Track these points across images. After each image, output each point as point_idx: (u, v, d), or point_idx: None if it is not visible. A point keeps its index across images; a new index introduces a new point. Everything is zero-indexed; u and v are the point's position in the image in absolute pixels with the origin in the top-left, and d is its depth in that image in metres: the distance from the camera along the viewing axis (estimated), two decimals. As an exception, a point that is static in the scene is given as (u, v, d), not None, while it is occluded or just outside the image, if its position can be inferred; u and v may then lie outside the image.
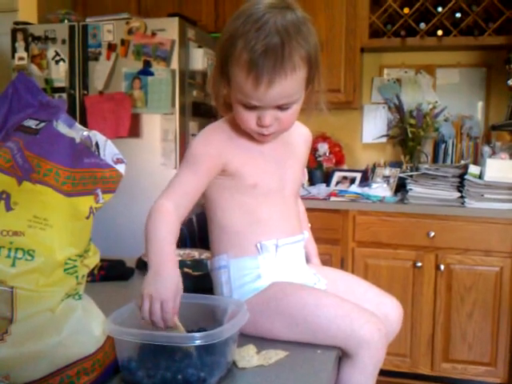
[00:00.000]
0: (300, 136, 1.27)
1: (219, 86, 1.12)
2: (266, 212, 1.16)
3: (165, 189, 1.12)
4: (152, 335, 0.88)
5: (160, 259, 0.99)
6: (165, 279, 0.95)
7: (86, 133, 0.83)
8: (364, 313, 1.08)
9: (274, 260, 1.15)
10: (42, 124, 0.78)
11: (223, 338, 0.87)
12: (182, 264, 1.44)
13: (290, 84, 1.03)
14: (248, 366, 0.97)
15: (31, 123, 0.79)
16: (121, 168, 0.85)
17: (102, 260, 1.43)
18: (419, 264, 2.84)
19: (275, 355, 1.01)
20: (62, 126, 0.79)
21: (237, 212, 1.15)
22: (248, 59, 1.00)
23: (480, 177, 2.80)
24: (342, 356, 1.09)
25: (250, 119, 1.08)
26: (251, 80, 1.01)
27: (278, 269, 1.15)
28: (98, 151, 0.83)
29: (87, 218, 0.81)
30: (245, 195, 1.15)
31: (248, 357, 0.99)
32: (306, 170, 3.35)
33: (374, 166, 3.33)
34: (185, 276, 1.38)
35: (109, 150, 0.84)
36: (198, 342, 0.85)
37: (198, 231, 1.95)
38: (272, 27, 1.00)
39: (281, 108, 1.06)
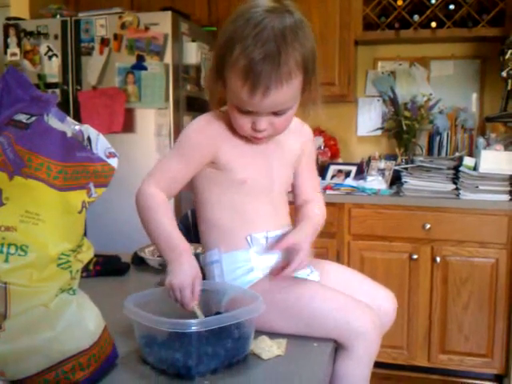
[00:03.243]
0: (296, 135, 1.24)
1: (215, 86, 1.11)
2: (254, 208, 1.16)
3: (153, 171, 1.13)
4: (154, 320, 0.91)
5: (176, 254, 1.05)
6: (182, 269, 1.02)
7: (77, 127, 0.82)
8: (358, 305, 1.08)
9: (264, 252, 1.16)
10: (33, 118, 0.78)
11: (214, 326, 0.90)
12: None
13: (286, 92, 1.02)
14: (271, 357, 0.98)
15: (22, 117, 0.78)
16: (113, 162, 0.84)
17: (97, 255, 1.43)
18: (415, 256, 2.84)
19: (283, 343, 1.02)
20: (53, 120, 0.78)
21: (226, 208, 1.16)
22: (245, 66, 0.99)
23: (475, 168, 2.81)
24: (338, 348, 1.09)
25: (244, 123, 1.08)
26: (247, 88, 1.00)
27: (270, 261, 1.16)
28: (90, 145, 0.82)
29: (80, 212, 0.81)
30: (233, 191, 1.15)
31: (267, 347, 1.00)
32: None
33: (369, 159, 3.33)
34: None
35: (101, 144, 0.83)
36: (194, 329, 0.88)
37: (192, 226, 1.94)
38: (270, 34, 0.98)
39: (276, 113, 1.06)
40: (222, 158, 1.12)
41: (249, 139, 1.13)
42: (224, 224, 1.16)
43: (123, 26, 2.96)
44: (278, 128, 1.10)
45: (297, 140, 1.25)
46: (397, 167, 3.10)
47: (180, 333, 0.90)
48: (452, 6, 3.11)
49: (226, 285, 1.12)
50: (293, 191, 1.28)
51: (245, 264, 1.15)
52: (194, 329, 0.88)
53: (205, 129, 1.13)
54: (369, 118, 3.53)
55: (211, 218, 1.17)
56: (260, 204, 1.17)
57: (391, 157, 3.32)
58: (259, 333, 1.04)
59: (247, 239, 1.15)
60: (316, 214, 1.24)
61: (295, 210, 1.28)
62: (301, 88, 1.07)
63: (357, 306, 1.08)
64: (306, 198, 1.27)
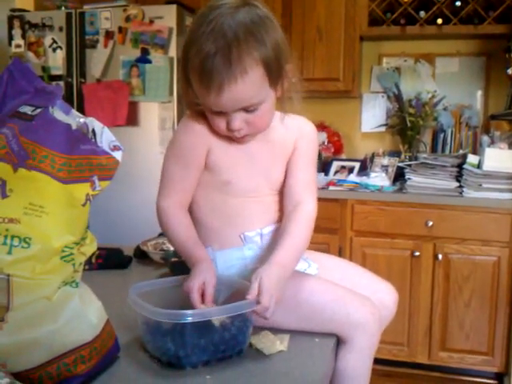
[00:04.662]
0: (291, 132, 1.19)
1: (187, 92, 1.09)
2: (242, 208, 1.15)
3: (161, 187, 1.15)
4: (150, 310, 0.92)
5: (190, 261, 1.08)
6: (192, 276, 1.03)
7: (82, 119, 0.82)
8: (357, 297, 1.09)
9: (259, 249, 1.16)
10: (38, 110, 0.77)
11: (207, 318, 0.92)
12: (175, 253, 1.44)
13: (244, 88, 0.99)
14: (274, 352, 0.98)
15: (27, 109, 0.78)
16: (117, 155, 0.84)
17: (99, 248, 1.43)
18: (417, 253, 2.84)
19: (286, 338, 1.02)
20: (57, 113, 0.78)
21: (214, 208, 1.15)
22: (198, 65, 0.98)
23: (478, 166, 2.80)
24: (339, 343, 1.09)
25: (219, 124, 1.06)
26: (203, 86, 0.99)
27: (264, 258, 1.14)
28: (95, 138, 0.82)
29: (83, 205, 0.80)
30: (219, 192, 1.14)
31: (270, 342, 1.00)
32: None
33: (373, 156, 3.32)
34: (181, 263, 1.38)
35: (105, 136, 0.83)
36: (188, 320, 0.89)
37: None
38: (220, 31, 0.96)
39: (247, 110, 1.03)
40: (211, 158, 1.12)
41: (233, 139, 1.11)
42: (214, 224, 1.16)
43: (128, 19, 2.95)
44: (255, 125, 1.07)
45: (291, 137, 1.20)
46: (400, 164, 3.09)
47: (174, 323, 0.91)
48: (458, 3, 3.09)
49: (233, 278, 1.12)
50: (284, 191, 1.19)
51: (239, 262, 1.15)
52: (188, 320, 0.89)
53: (194, 129, 1.11)
54: (373, 114, 3.52)
55: (200, 219, 1.17)
56: (249, 203, 1.15)
57: (395, 153, 3.31)
58: (262, 328, 1.04)
59: (240, 237, 1.15)
60: (296, 237, 1.11)
61: (284, 214, 1.18)
62: (268, 83, 1.03)
63: (355, 297, 1.08)
64: (296, 202, 1.17)
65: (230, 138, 1.10)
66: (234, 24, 0.97)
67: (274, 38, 1.01)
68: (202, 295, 1.01)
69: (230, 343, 0.96)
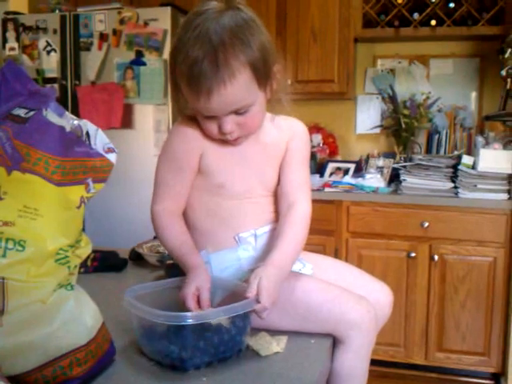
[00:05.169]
0: (283, 133, 1.19)
1: (177, 98, 1.09)
2: (237, 210, 1.15)
3: (155, 192, 1.15)
4: (150, 312, 0.92)
5: (184, 268, 1.08)
6: (186, 283, 1.03)
7: (76, 122, 0.82)
8: (352, 296, 1.09)
9: (254, 250, 1.15)
10: (31, 113, 0.77)
11: (208, 320, 0.92)
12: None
13: (232, 91, 0.99)
14: (270, 353, 0.98)
15: (20, 112, 0.78)
16: (112, 157, 0.84)
17: (94, 251, 1.43)
18: (413, 254, 2.84)
19: (284, 340, 1.02)
20: (51, 115, 0.78)
21: (208, 211, 1.15)
22: (186, 71, 0.98)
23: (473, 167, 2.81)
24: (336, 344, 1.09)
25: (211, 128, 1.07)
26: (192, 92, 1.00)
27: (259, 259, 1.14)
28: (89, 140, 0.82)
29: (78, 207, 0.80)
30: (213, 194, 1.14)
31: (267, 344, 1.00)
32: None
33: (368, 157, 3.33)
34: (176, 266, 1.39)
35: (100, 139, 0.83)
36: (189, 322, 0.89)
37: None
38: (206, 36, 0.97)
39: (237, 113, 1.04)
40: (204, 162, 1.11)
41: (226, 142, 1.11)
42: (208, 226, 1.15)
43: (122, 22, 2.95)
44: (246, 127, 1.07)
45: (283, 138, 1.20)
46: (395, 165, 3.09)
47: (175, 325, 0.90)
48: (452, 5, 3.10)
49: (227, 280, 1.12)
50: (278, 192, 1.20)
51: (234, 263, 1.15)
52: (188, 322, 0.89)
53: (187, 134, 1.11)
54: (368, 115, 3.53)
55: (193, 222, 1.16)
56: (243, 205, 1.15)
57: (390, 155, 3.32)
58: (259, 329, 1.04)
59: (235, 238, 1.15)
60: (291, 239, 1.11)
61: (279, 215, 1.18)
62: (256, 85, 1.03)
63: (350, 297, 1.08)
64: (290, 202, 1.17)
65: (223, 140, 1.10)
66: (219, 28, 0.97)
67: (259, 40, 1.01)
68: (198, 301, 1.01)
69: (230, 344, 0.96)
